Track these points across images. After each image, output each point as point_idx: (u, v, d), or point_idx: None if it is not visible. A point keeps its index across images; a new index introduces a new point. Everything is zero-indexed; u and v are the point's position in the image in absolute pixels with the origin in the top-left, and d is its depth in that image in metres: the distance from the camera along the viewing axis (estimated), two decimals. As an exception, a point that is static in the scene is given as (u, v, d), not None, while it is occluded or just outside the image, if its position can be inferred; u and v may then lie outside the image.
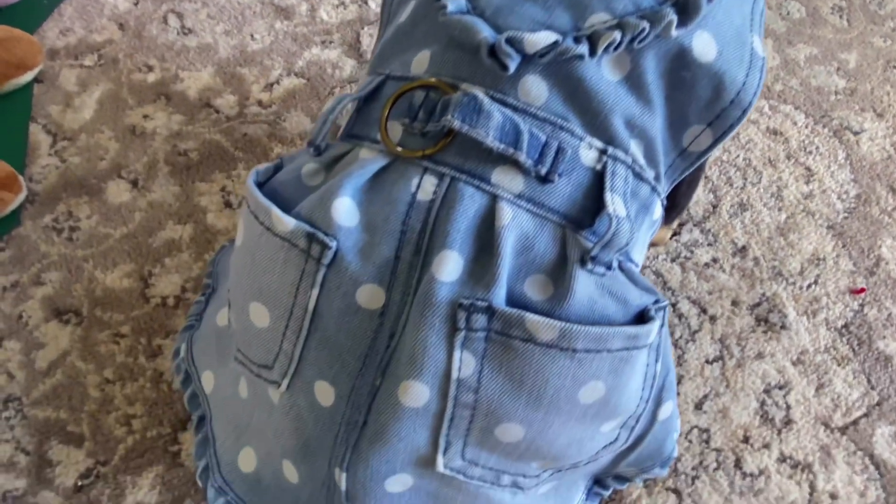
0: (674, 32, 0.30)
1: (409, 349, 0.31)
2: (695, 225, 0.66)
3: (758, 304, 0.62)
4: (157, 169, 0.67)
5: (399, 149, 0.31)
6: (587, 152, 0.31)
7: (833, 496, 0.54)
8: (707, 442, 0.56)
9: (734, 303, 0.62)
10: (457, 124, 0.29)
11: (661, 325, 0.33)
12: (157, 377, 0.57)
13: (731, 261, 0.64)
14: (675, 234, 0.64)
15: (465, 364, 0.30)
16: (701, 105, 0.33)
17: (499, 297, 0.30)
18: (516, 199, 0.30)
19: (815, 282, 0.63)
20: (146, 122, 0.70)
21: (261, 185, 0.36)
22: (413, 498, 0.34)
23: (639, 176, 0.33)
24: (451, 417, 0.31)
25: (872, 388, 0.59)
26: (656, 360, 0.35)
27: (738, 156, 0.70)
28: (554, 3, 0.30)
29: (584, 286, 0.31)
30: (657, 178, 0.34)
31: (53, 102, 0.71)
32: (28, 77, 0.70)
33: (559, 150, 0.30)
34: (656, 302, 0.33)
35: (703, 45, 0.31)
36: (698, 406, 0.58)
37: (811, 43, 0.79)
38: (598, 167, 0.31)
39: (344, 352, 0.32)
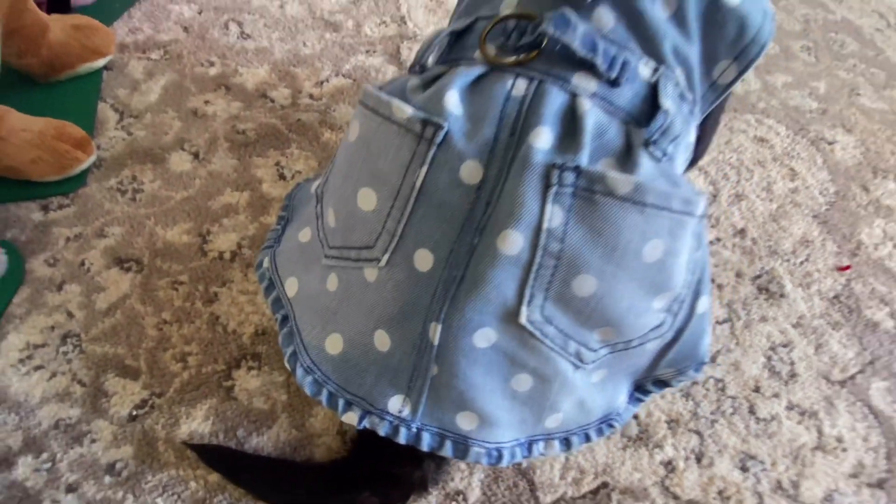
0: None
1: (508, 205, 0.35)
2: (699, 209, 0.73)
3: (758, 276, 0.68)
4: (217, 144, 0.72)
5: (494, 59, 0.38)
6: (644, 69, 0.38)
7: (839, 440, 0.58)
8: (723, 390, 0.60)
9: (738, 274, 0.68)
10: (551, 30, 0.36)
11: (703, 214, 0.39)
12: (214, 320, 0.60)
13: (732, 240, 0.71)
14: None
15: (554, 216, 0.35)
16: (728, 41, 0.40)
17: (583, 160, 0.35)
18: (591, 97, 0.37)
19: (807, 259, 0.70)
20: (207, 107, 0.75)
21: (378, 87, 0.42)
22: (494, 356, 0.38)
23: (682, 96, 0.40)
24: (538, 268, 0.36)
25: (864, 349, 0.64)
26: (697, 248, 0.40)
27: (731, 157, 0.78)
28: None
29: (647, 166, 0.36)
30: (694, 102, 0.41)
31: (121, 87, 0.76)
32: (101, 63, 0.76)
33: (624, 63, 0.37)
34: (699, 194, 0.39)
35: None
36: (713, 359, 0.62)
37: (786, 73, 0.91)
38: (653, 80, 0.38)
39: (444, 221, 0.37)
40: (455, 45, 0.40)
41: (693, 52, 0.39)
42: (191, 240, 0.65)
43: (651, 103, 0.37)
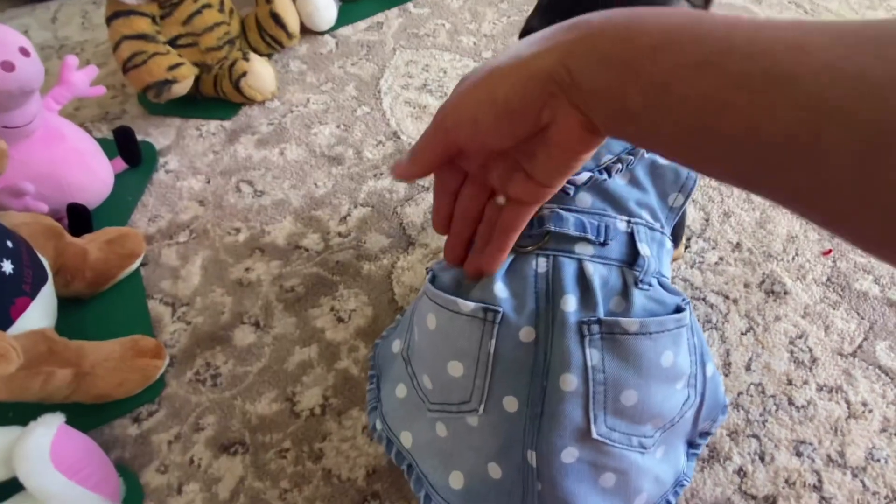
0: (646, 155, 0.46)
1: (560, 355, 0.42)
2: (698, 237, 0.76)
3: (762, 282, 0.72)
4: (272, 308, 0.71)
5: (519, 248, 0.44)
6: (621, 224, 0.45)
7: (864, 404, 0.62)
8: (763, 393, 0.63)
9: (745, 285, 0.71)
10: (552, 227, 0.44)
11: (690, 313, 0.46)
12: (327, 474, 0.59)
13: (732, 255, 0.74)
14: (686, 247, 0.74)
15: (593, 356, 0.41)
16: (670, 182, 0.48)
17: (601, 313, 0.42)
18: (591, 258, 0.44)
19: (797, 254, 0.74)
20: (249, 274, 0.74)
21: (432, 282, 0.47)
22: (580, 467, 0.42)
23: (651, 228, 0.47)
24: (593, 394, 0.41)
25: (862, 318, 0.68)
26: (692, 335, 0.47)
27: (711, 180, 0.82)
28: None
29: (639, 298, 0.43)
30: (662, 226, 0.48)
31: (162, 279, 0.74)
32: (136, 264, 0.74)
33: (607, 227, 0.44)
34: (683, 300, 0.46)
35: None
36: (748, 367, 0.65)
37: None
38: (629, 230, 0.45)
39: (518, 373, 0.43)
40: None
41: (650, 197, 0.48)
42: (280, 406, 0.64)
43: (632, 246, 0.46)
